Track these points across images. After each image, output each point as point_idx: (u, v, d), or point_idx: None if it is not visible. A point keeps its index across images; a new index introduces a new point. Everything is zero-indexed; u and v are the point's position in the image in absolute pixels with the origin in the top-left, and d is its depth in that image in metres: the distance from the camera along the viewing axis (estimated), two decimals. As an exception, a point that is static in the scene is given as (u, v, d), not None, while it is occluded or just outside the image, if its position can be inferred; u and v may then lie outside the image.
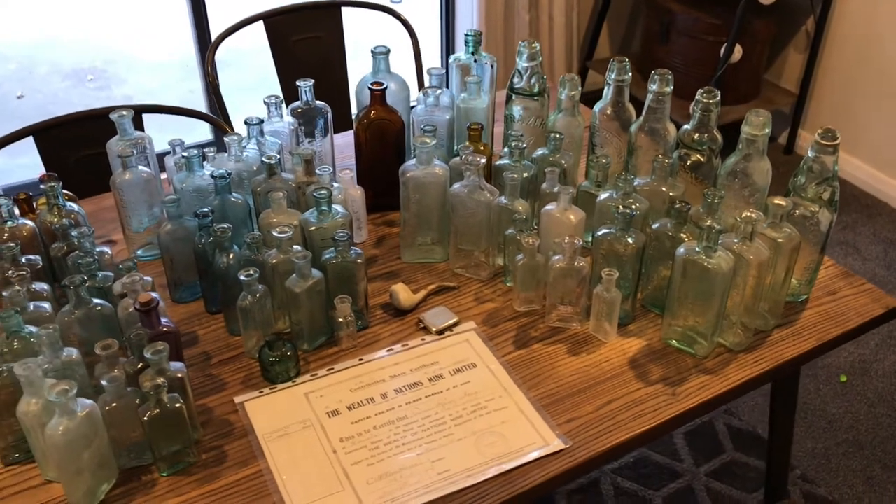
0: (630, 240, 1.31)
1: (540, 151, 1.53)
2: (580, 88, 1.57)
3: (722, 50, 3.08)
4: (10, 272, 1.21)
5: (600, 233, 1.33)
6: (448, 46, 3.63)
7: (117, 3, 4.87)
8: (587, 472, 1.16)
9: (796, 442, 2.20)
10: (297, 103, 1.58)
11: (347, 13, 2.31)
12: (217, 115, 2.12)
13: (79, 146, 1.77)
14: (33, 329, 1.12)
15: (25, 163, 1.69)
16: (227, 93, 2.04)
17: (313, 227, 1.32)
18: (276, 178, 1.41)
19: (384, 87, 1.54)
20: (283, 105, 1.57)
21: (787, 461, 1.81)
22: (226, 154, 1.48)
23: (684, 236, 1.31)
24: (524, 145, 1.47)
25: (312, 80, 1.57)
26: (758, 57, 3.27)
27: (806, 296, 1.44)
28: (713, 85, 3.13)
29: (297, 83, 1.56)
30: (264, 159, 1.40)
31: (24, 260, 1.27)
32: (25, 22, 4.56)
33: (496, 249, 1.47)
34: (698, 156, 1.45)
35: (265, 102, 1.54)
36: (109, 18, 4.72)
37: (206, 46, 2.86)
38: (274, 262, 1.28)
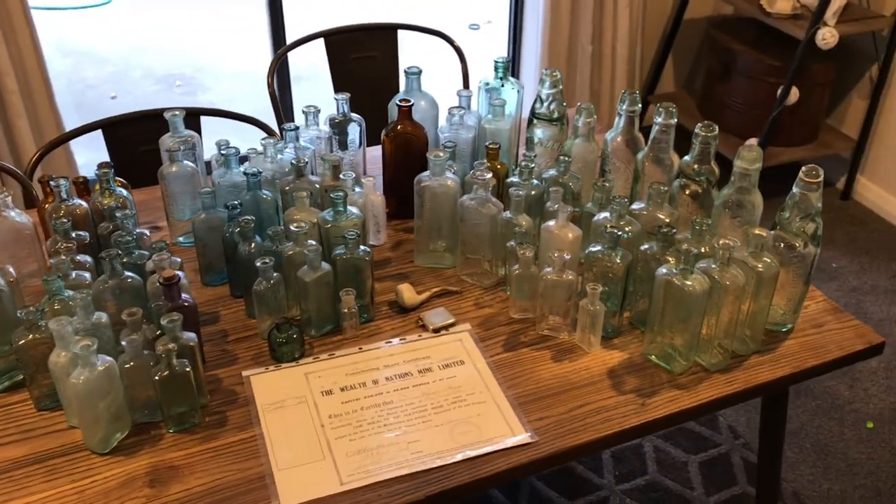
0: (617, 258, 1.40)
1: (550, 172, 1.63)
2: (595, 116, 1.67)
3: (779, 91, 3.11)
4: (59, 244, 1.39)
5: (590, 250, 1.42)
6: (515, 75, 3.76)
7: (209, 16, 5.20)
8: (550, 465, 1.25)
9: (814, 481, 2.21)
10: (334, 114, 1.73)
11: (404, 36, 2.47)
12: (282, 121, 2.29)
13: (142, 141, 1.96)
14: (70, 293, 1.28)
15: (104, 157, 1.93)
16: (300, 103, 2.19)
17: (328, 225, 1.46)
18: (303, 180, 1.56)
19: (411, 103, 1.67)
20: (320, 115, 1.72)
21: (777, 486, 1.82)
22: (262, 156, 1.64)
23: (670, 259, 1.39)
24: (532, 165, 1.58)
25: (348, 94, 1.72)
26: (816, 101, 3.28)
27: (791, 325, 1.50)
28: (769, 126, 3.16)
29: (334, 96, 1.71)
30: (293, 162, 1.55)
31: (74, 235, 1.44)
32: (125, 29, 4.91)
33: (500, 260, 1.58)
34: (696, 186, 1.53)
35: (303, 112, 1.70)
36: (201, 30, 5.05)
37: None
38: (290, 253, 1.42)
